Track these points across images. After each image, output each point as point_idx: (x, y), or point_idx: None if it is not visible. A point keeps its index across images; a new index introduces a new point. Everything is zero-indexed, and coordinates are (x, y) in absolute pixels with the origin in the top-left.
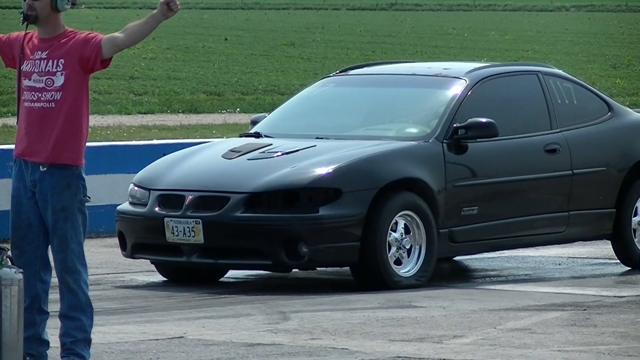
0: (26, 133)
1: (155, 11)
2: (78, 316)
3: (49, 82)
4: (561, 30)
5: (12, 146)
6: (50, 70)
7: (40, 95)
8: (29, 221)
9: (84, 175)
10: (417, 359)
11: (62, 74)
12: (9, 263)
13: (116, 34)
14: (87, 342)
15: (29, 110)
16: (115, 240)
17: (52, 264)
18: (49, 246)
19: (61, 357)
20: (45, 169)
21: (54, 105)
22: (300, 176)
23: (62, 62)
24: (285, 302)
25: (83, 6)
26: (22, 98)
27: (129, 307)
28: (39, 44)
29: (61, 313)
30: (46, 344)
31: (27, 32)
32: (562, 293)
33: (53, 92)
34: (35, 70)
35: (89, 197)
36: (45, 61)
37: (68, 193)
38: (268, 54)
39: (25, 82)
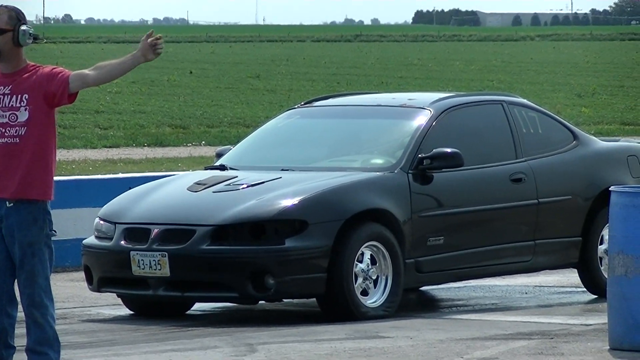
0: None
1: (135, 51)
2: (45, 351)
3: (13, 118)
4: (526, 60)
5: None
6: (14, 105)
7: (3, 130)
8: None
9: (49, 209)
10: None
11: (26, 109)
12: None
13: (86, 71)
14: None
15: None
16: (82, 274)
17: (19, 298)
18: (15, 281)
19: None
20: (11, 204)
21: (18, 141)
22: (266, 208)
23: (27, 97)
24: (252, 333)
25: (45, 40)
26: None
27: (96, 340)
28: (2, 79)
29: (28, 347)
30: None
31: None
32: (529, 322)
33: (17, 128)
34: None
35: (55, 231)
36: (9, 96)
37: (35, 228)
38: (233, 86)
39: None
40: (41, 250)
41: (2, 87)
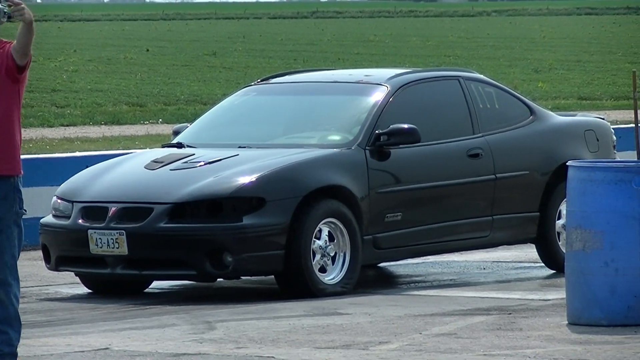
0: None
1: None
2: (6, 329)
3: None
4: (483, 35)
5: None
6: None
7: None
8: None
9: (21, 187)
10: None
11: None
12: None
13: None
14: (14, 356)
15: None
16: (39, 253)
17: None
18: None
19: None
20: None
21: None
22: (224, 186)
23: None
24: (211, 311)
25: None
26: None
27: (54, 319)
28: None
29: None
30: None
31: None
32: (487, 297)
33: None
34: None
35: (25, 210)
36: None
37: (4, 205)
38: (190, 64)
39: None
40: (10, 227)
41: None
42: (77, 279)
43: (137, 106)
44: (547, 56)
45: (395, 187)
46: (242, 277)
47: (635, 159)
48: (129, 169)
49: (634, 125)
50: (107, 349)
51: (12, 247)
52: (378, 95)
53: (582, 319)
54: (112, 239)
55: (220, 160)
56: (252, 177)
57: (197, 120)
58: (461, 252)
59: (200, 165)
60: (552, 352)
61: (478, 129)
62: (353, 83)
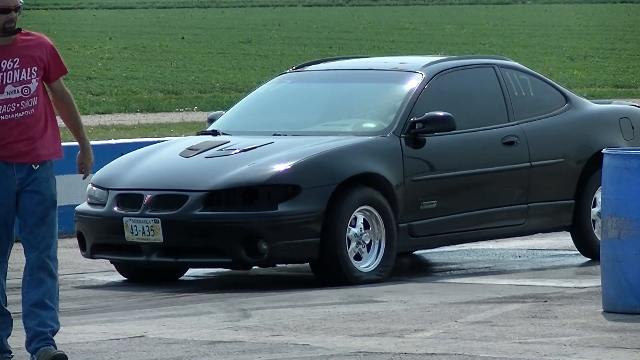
0: (15, 141)
1: (85, 148)
2: (53, 306)
3: (26, 91)
4: (518, 23)
5: None
6: (25, 78)
7: (18, 105)
8: (5, 221)
9: None
10: (379, 353)
11: (36, 81)
12: None
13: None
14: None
15: (8, 121)
16: (75, 241)
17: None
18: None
19: (36, 348)
20: (37, 166)
21: (33, 112)
22: (259, 173)
23: (35, 70)
24: (246, 299)
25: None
26: None
27: (90, 307)
28: (2, 52)
29: (36, 302)
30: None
31: None
32: (522, 285)
33: (30, 99)
34: (9, 82)
35: None
36: (19, 70)
37: (54, 185)
38: (225, 51)
39: None
40: (56, 206)
41: (8, 61)
42: (112, 267)
43: (173, 94)
44: (582, 44)
45: (430, 175)
46: (277, 265)
47: None
48: (164, 157)
49: None
50: (142, 336)
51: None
52: (413, 83)
53: (618, 307)
54: (147, 226)
55: (255, 147)
56: (287, 165)
57: (232, 108)
58: (496, 240)
59: (235, 153)
60: (587, 339)
61: (513, 116)
62: (388, 71)
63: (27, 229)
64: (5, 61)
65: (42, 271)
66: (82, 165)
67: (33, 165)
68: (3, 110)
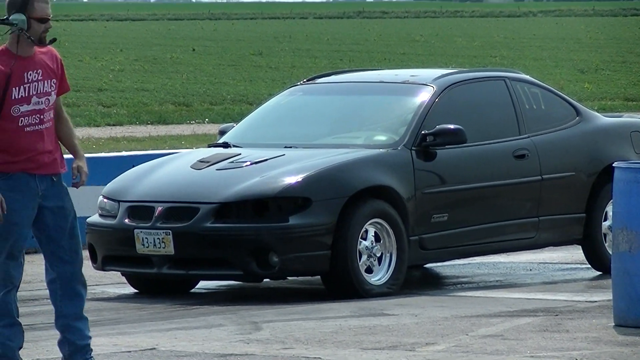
0: (39, 153)
1: (79, 159)
2: (86, 315)
3: (47, 102)
4: (529, 36)
5: None
6: (47, 90)
7: (42, 117)
8: (26, 229)
9: None
10: None
11: (54, 92)
12: None
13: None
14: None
15: (33, 133)
16: (86, 253)
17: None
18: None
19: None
20: (56, 179)
21: (51, 124)
22: (270, 185)
23: (55, 82)
24: (257, 312)
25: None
26: (18, 125)
27: (101, 319)
28: (26, 62)
29: (75, 315)
30: None
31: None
32: (533, 299)
33: (51, 111)
34: (34, 93)
35: None
36: (42, 82)
37: (70, 199)
38: (236, 63)
39: (24, 108)
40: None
41: (33, 72)
42: (124, 279)
43: (183, 106)
44: (593, 57)
45: (441, 188)
46: (288, 278)
47: None
48: (175, 169)
49: None
50: (153, 349)
51: None
52: (424, 96)
53: (629, 321)
54: (158, 238)
55: (266, 160)
56: (298, 177)
57: (243, 120)
58: (507, 253)
59: (246, 165)
60: (598, 353)
61: (524, 129)
62: (399, 83)
63: (54, 244)
64: (31, 72)
65: (78, 283)
66: (79, 169)
67: (53, 178)
68: (29, 121)
